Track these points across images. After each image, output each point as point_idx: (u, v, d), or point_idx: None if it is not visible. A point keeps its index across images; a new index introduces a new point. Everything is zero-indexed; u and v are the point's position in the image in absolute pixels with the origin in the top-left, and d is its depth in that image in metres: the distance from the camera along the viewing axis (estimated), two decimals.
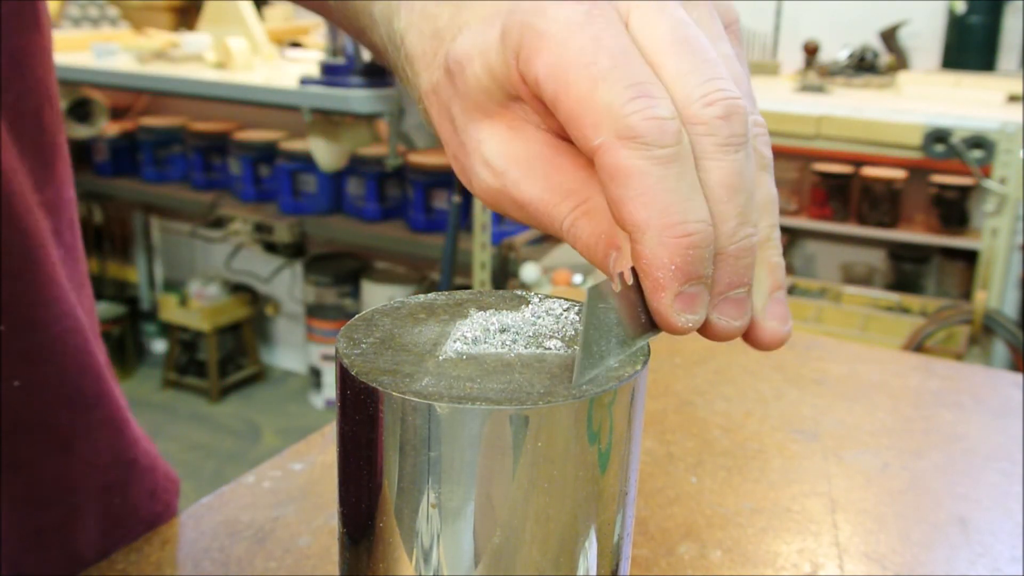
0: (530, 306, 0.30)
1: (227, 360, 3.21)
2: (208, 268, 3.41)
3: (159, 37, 3.12)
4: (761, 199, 0.29)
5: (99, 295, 3.25)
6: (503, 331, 0.28)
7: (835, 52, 2.69)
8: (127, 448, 0.52)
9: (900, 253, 2.64)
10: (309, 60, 2.73)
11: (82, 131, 3.06)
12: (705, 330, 0.27)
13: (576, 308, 0.30)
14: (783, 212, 2.65)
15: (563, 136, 0.29)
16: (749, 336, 0.28)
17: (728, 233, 0.27)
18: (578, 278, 2.57)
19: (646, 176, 0.25)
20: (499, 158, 0.30)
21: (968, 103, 2.16)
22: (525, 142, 0.30)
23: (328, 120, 2.55)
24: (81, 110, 3.11)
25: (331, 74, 2.29)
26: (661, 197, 0.25)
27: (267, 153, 2.96)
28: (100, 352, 0.51)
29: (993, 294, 2.00)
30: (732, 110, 0.27)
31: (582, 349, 0.25)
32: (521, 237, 2.83)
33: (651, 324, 0.27)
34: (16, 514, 0.47)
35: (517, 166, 0.30)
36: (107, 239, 3.49)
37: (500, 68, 0.29)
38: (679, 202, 0.26)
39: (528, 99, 0.29)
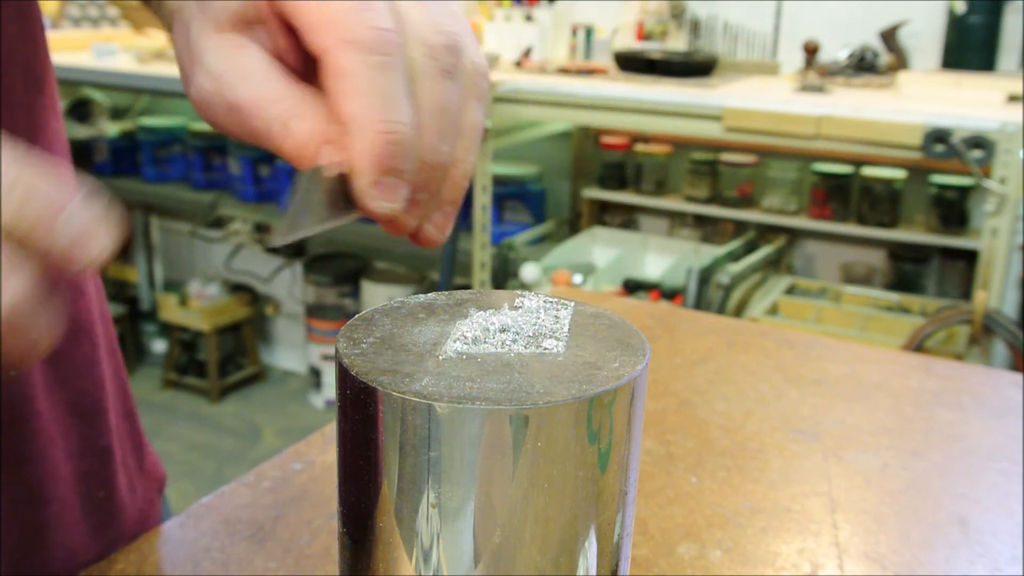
0: (529, 306, 0.30)
1: (227, 360, 3.21)
2: (208, 268, 3.41)
3: (159, 37, 3.12)
4: (466, 125, 0.34)
5: None
6: (503, 331, 0.28)
7: (835, 52, 2.69)
8: (100, 435, 0.52)
9: (900, 253, 2.64)
10: None
11: (82, 131, 3.06)
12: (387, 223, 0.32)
13: (576, 308, 0.30)
14: (783, 212, 2.65)
15: (284, 61, 0.34)
16: (414, 236, 0.33)
17: (429, 145, 0.31)
18: (578, 278, 2.57)
19: (361, 77, 0.30)
20: (218, 63, 0.33)
21: (968, 103, 2.16)
22: (246, 56, 0.34)
23: None
24: (81, 110, 3.11)
25: None
26: (371, 97, 0.30)
27: (267, 153, 2.96)
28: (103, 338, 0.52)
29: (993, 294, 2.00)
30: (456, 45, 0.32)
31: (286, 218, 0.29)
32: (521, 237, 2.83)
33: (350, 207, 0.31)
34: (15, 512, 0.48)
35: (234, 72, 0.33)
36: None
37: None
38: (386, 103, 0.30)
39: (268, 17, 0.33)
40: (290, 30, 0.34)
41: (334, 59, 0.30)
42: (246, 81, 0.34)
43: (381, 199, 0.30)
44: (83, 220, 0.25)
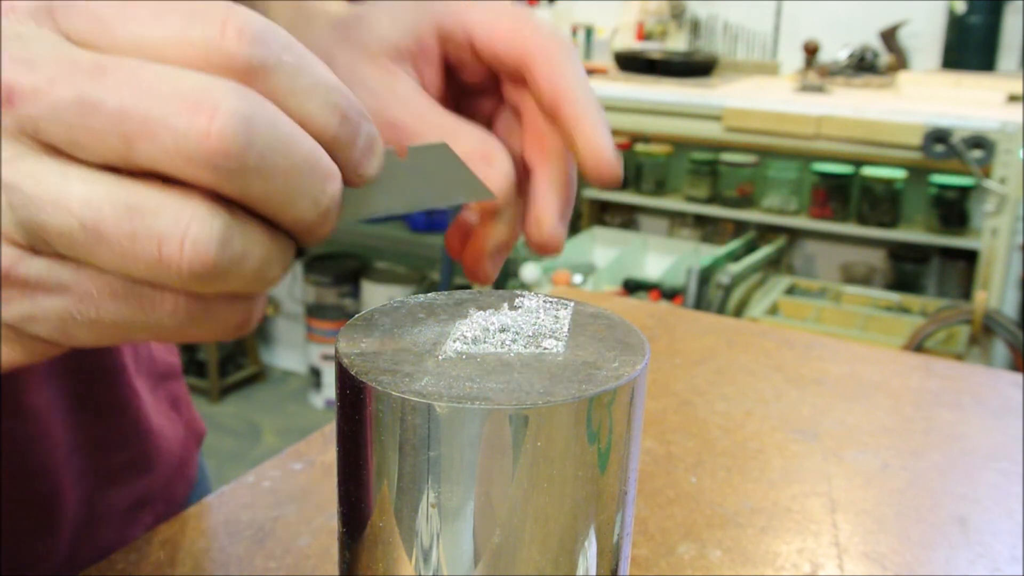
0: (529, 306, 0.30)
1: (227, 360, 3.21)
2: None
3: None
4: None
5: None
6: (503, 331, 0.28)
7: (835, 52, 2.69)
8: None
9: (900, 253, 2.64)
10: None
11: None
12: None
13: (576, 308, 0.30)
14: (783, 212, 2.65)
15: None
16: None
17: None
18: (578, 278, 2.57)
19: (581, 78, 0.37)
20: (378, 83, 0.36)
21: (968, 103, 2.16)
22: (402, 81, 0.37)
23: None
24: None
25: None
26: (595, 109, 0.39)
27: None
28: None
29: (993, 294, 2.00)
30: None
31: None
32: (521, 237, 2.82)
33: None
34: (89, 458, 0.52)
35: (394, 92, 0.36)
36: None
37: (410, 27, 0.37)
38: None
39: (427, 47, 0.37)
40: (443, 65, 0.38)
41: (546, 59, 0.35)
42: (407, 102, 0.36)
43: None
44: (372, 135, 0.27)
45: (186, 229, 0.23)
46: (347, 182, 0.27)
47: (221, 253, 0.23)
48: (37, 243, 0.23)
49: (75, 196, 0.23)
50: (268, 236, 0.25)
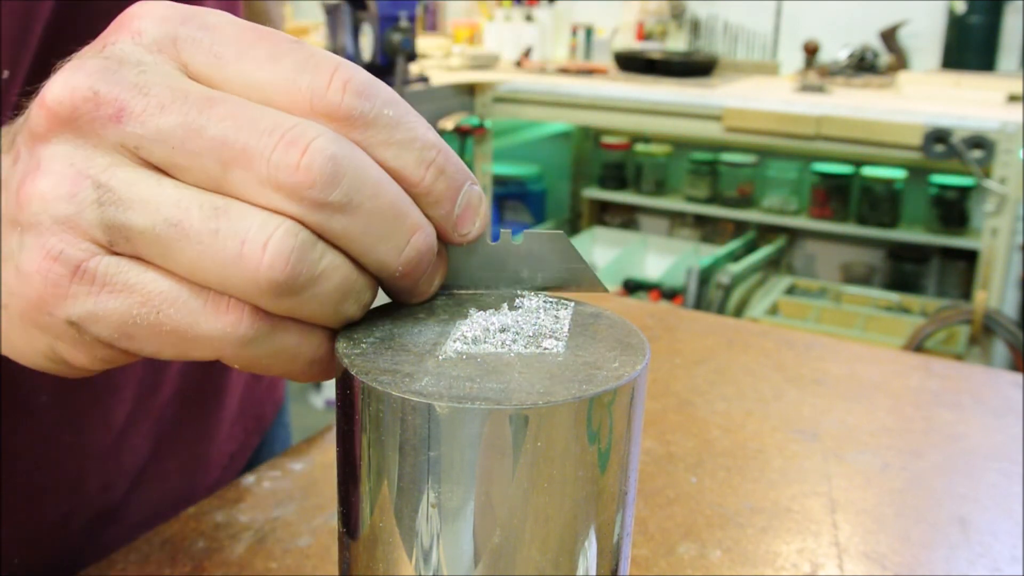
0: (529, 306, 0.30)
1: None
2: None
3: None
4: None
5: None
6: (503, 331, 0.28)
7: (835, 52, 2.69)
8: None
9: (900, 253, 2.64)
10: None
11: None
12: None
13: (576, 308, 0.30)
14: (783, 212, 2.65)
15: None
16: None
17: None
18: None
19: None
20: None
21: (968, 103, 2.16)
22: None
23: None
24: None
25: None
26: None
27: None
28: None
29: (993, 294, 2.00)
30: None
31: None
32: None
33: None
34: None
35: None
36: None
37: None
38: None
39: None
40: None
41: None
42: None
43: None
44: (475, 196, 0.28)
45: (272, 233, 0.24)
46: (446, 239, 0.28)
47: (300, 264, 0.24)
48: (116, 241, 0.25)
49: (166, 197, 0.24)
50: (350, 269, 0.26)
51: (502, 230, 0.30)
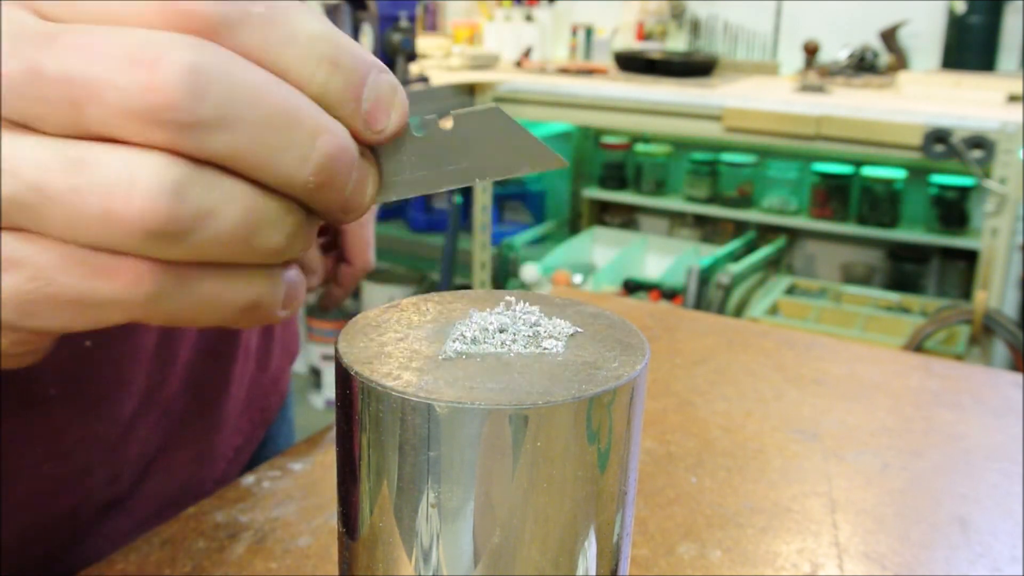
0: (529, 306, 0.30)
1: None
2: None
3: None
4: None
5: None
6: (502, 331, 0.28)
7: (835, 52, 2.69)
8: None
9: (900, 253, 2.64)
10: None
11: None
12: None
13: (576, 308, 0.30)
14: (783, 212, 2.65)
15: None
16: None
17: None
18: (578, 278, 2.57)
19: None
20: None
21: (968, 103, 2.16)
22: None
23: None
24: None
25: None
26: None
27: None
28: None
29: (993, 294, 2.00)
30: None
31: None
32: (521, 237, 2.83)
33: None
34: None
35: None
36: None
37: None
38: None
39: None
40: None
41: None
42: None
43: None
44: (384, 85, 0.25)
45: (133, 180, 0.21)
46: (363, 140, 0.25)
47: (177, 206, 0.22)
48: None
49: (25, 159, 0.22)
50: (251, 196, 0.23)
51: (425, 118, 0.26)
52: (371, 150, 0.26)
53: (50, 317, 0.24)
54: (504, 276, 2.70)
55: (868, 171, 2.52)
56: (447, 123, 0.26)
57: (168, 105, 0.21)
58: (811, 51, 2.64)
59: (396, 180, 0.27)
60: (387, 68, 0.25)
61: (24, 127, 0.22)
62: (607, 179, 3.01)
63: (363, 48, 0.24)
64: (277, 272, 0.26)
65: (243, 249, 0.23)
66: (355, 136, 0.25)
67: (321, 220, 0.26)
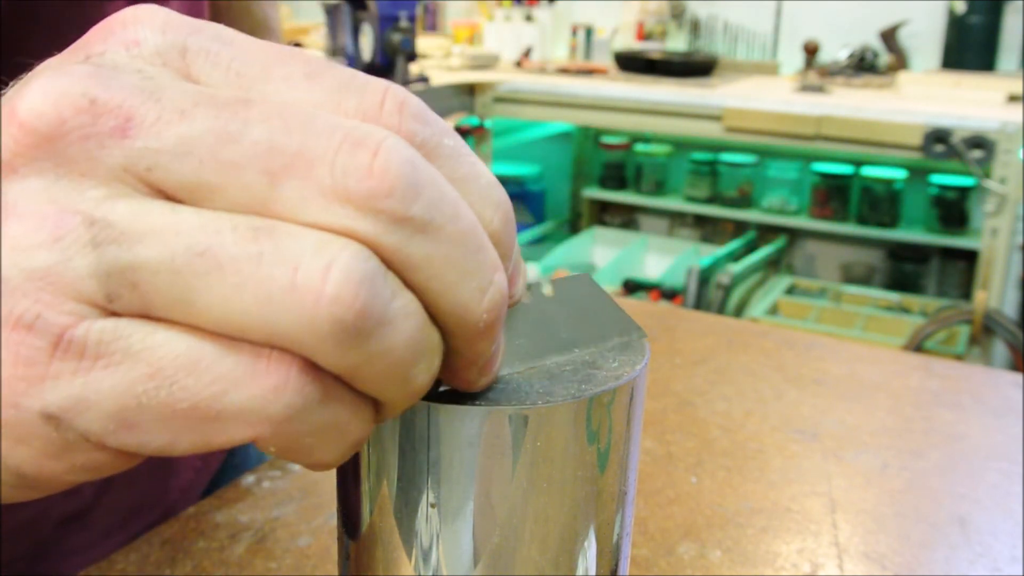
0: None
1: None
2: None
3: None
4: None
5: None
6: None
7: (835, 52, 2.69)
8: None
9: (900, 253, 2.64)
10: None
11: None
12: None
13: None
14: (783, 212, 2.65)
15: None
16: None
17: None
18: None
19: None
20: None
21: (968, 103, 2.16)
22: None
23: None
24: None
25: None
26: None
27: None
28: None
29: (993, 294, 2.00)
30: None
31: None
32: (521, 237, 2.83)
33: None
34: None
35: None
36: None
37: None
38: None
39: None
40: None
41: None
42: None
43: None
44: (519, 250, 0.23)
45: (336, 256, 0.18)
46: None
47: (372, 299, 0.18)
48: (118, 292, 0.18)
49: (187, 223, 0.18)
50: (424, 316, 0.20)
51: (530, 283, 0.25)
52: None
53: (153, 431, 0.19)
54: None
55: (868, 171, 2.52)
56: (548, 289, 0.26)
57: (386, 192, 0.18)
58: (811, 51, 2.64)
59: (507, 349, 0.25)
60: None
61: (175, 198, 0.18)
62: (607, 179, 3.01)
63: None
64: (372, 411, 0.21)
65: (399, 376, 0.20)
66: None
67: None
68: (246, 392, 0.18)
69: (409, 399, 0.21)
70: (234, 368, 0.18)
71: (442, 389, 0.23)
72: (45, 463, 0.19)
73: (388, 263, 0.19)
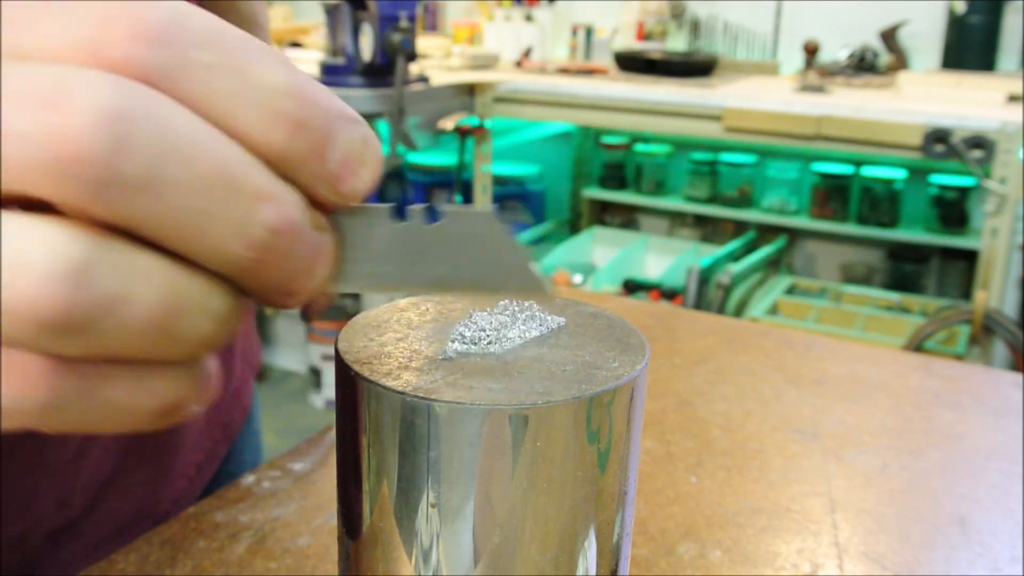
0: (529, 306, 0.30)
1: None
2: None
3: None
4: None
5: None
6: (501, 331, 0.28)
7: (835, 52, 2.69)
8: None
9: (900, 253, 2.64)
10: (309, 60, 2.73)
11: None
12: None
13: (576, 308, 0.30)
14: (783, 212, 2.65)
15: None
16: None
17: None
18: (578, 278, 2.57)
19: None
20: None
21: (968, 103, 2.16)
22: None
23: None
24: None
25: (331, 74, 2.29)
26: None
27: None
28: None
29: (993, 294, 2.00)
30: None
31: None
32: (521, 237, 2.83)
33: None
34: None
35: None
36: None
37: None
38: None
39: None
40: None
41: None
42: None
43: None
44: (355, 140, 0.21)
45: (25, 259, 0.17)
46: (327, 205, 0.21)
47: (78, 292, 0.17)
48: None
49: None
50: (172, 274, 0.19)
51: (409, 208, 0.23)
52: (335, 230, 0.22)
53: None
54: None
55: (868, 171, 2.52)
56: (434, 218, 0.23)
57: (79, 157, 0.17)
58: (811, 51, 2.64)
59: (356, 270, 0.23)
60: (361, 119, 0.21)
61: None
62: (607, 179, 3.01)
63: (333, 96, 0.21)
64: (197, 364, 0.21)
65: (162, 341, 0.19)
66: (318, 202, 0.21)
67: (255, 303, 0.22)
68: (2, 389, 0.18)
69: (192, 351, 0.20)
70: None
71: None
72: None
73: (111, 229, 0.18)
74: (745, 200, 2.73)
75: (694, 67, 2.64)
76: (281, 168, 0.20)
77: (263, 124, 0.19)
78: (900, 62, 2.63)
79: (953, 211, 2.44)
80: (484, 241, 0.23)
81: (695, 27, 3.01)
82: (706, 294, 2.29)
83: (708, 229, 2.95)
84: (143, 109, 0.17)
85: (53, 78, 0.17)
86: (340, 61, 2.30)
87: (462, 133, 2.47)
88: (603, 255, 2.82)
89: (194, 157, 0.18)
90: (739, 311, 2.30)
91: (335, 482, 0.28)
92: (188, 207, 0.18)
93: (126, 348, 0.19)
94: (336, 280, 0.23)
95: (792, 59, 2.84)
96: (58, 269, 0.17)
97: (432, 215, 0.23)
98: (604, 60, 2.94)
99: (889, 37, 2.64)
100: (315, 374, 3.11)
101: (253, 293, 0.21)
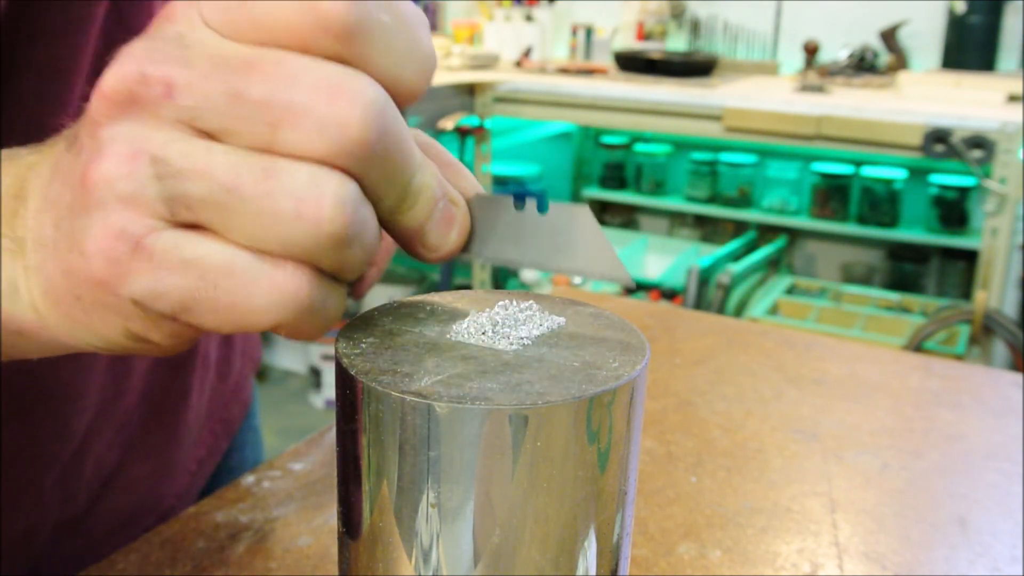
0: (529, 306, 0.30)
1: None
2: None
3: None
4: None
5: None
6: (502, 331, 0.28)
7: (835, 52, 2.69)
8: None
9: (900, 253, 2.64)
10: None
11: None
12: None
13: (576, 308, 0.30)
14: (783, 212, 2.65)
15: None
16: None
17: None
18: (578, 278, 2.57)
19: None
20: None
21: (968, 103, 2.16)
22: None
23: None
24: None
25: None
26: None
27: None
28: None
29: (993, 294, 2.00)
30: None
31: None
32: None
33: None
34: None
35: None
36: None
37: None
38: None
39: None
40: None
41: None
42: None
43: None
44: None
45: (324, 188, 0.24)
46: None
47: (353, 214, 0.25)
48: (178, 211, 0.25)
49: (219, 164, 0.24)
50: (376, 220, 0.26)
51: (528, 199, 0.28)
52: (470, 208, 0.29)
53: (205, 317, 0.26)
54: (504, 276, 2.70)
55: (868, 171, 2.52)
56: (543, 209, 0.28)
57: (359, 139, 0.24)
58: (811, 51, 2.64)
59: (482, 246, 0.29)
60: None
61: (213, 137, 0.25)
62: (607, 179, 3.00)
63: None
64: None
65: (362, 266, 0.26)
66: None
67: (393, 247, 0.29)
68: (270, 294, 0.25)
69: (356, 276, 0.27)
70: (261, 274, 0.25)
71: None
72: (148, 330, 0.27)
73: (358, 180, 0.25)
74: (745, 200, 2.73)
75: (694, 67, 2.64)
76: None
77: (419, 79, 0.26)
78: (900, 62, 2.63)
79: (953, 211, 2.44)
80: (580, 231, 0.28)
81: (695, 27, 3.01)
82: (706, 294, 2.29)
83: (708, 229, 2.95)
84: (389, 104, 0.25)
85: (337, 73, 0.24)
86: None
87: (462, 133, 2.47)
88: None
89: (408, 141, 0.26)
90: (739, 311, 2.30)
91: (335, 482, 0.28)
92: (392, 175, 0.26)
93: (353, 266, 0.26)
94: (468, 250, 0.29)
95: (792, 59, 2.83)
96: (345, 197, 0.25)
97: (542, 206, 0.28)
98: (604, 60, 2.94)
99: (889, 37, 2.64)
100: (315, 374, 3.11)
101: (397, 235, 0.28)
